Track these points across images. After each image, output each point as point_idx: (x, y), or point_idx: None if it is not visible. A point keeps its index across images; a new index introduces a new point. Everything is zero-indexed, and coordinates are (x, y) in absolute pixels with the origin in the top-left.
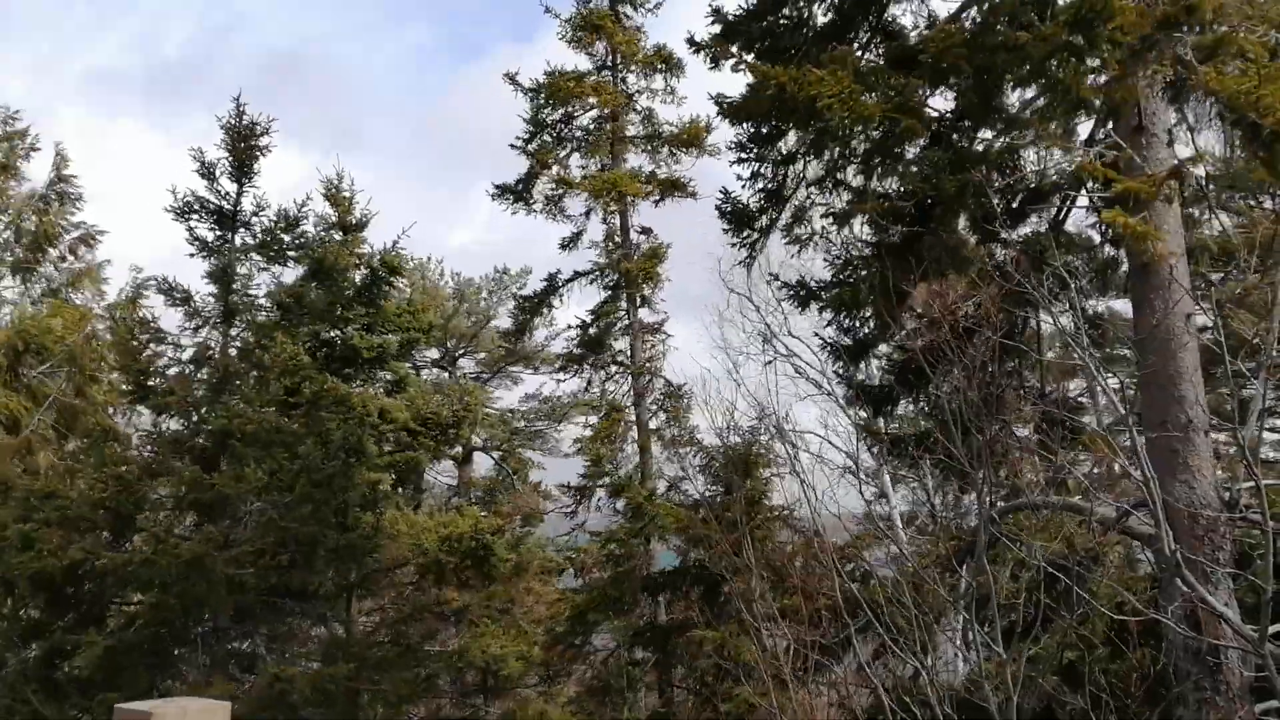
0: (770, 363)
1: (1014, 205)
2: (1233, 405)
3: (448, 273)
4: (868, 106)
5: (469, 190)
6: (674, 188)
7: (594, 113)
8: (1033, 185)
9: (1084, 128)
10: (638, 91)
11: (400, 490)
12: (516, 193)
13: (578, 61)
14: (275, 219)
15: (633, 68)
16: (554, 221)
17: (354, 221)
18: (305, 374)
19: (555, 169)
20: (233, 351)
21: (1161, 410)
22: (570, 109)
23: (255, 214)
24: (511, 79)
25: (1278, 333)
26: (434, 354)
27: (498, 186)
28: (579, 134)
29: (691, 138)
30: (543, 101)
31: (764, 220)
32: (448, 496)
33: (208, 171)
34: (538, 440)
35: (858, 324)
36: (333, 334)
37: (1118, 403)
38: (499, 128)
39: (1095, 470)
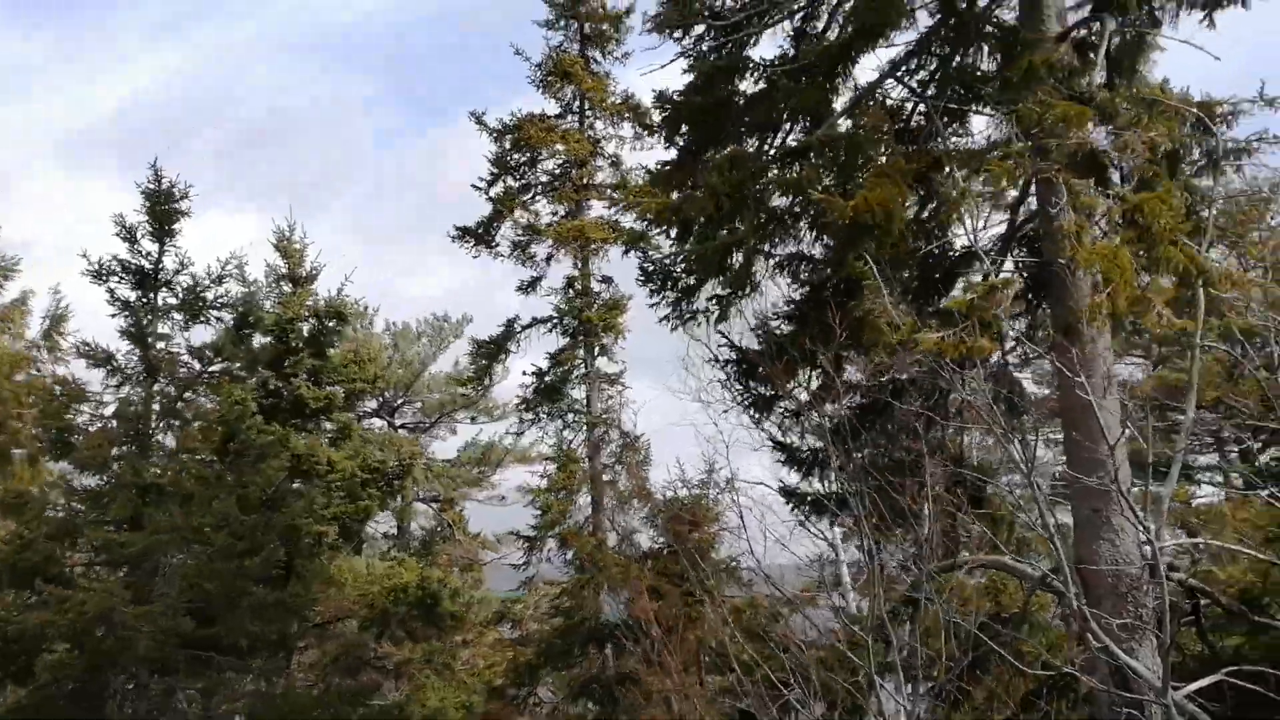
0: (726, 412)
1: (938, 275)
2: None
3: (384, 321)
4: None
5: (429, 242)
6: (640, 239)
7: (560, 158)
8: (958, 253)
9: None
10: (605, 138)
11: (343, 541)
12: (478, 235)
13: (545, 106)
14: (198, 278)
15: (600, 114)
16: (518, 266)
17: (304, 274)
18: (249, 424)
19: (519, 213)
20: (156, 407)
21: (1085, 469)
22: (537, 153)
23: (177, 273)
24: (478, 119)
25: (1196, 397)
26: (372, 404)
27: (459, 229)
28: (544, 178)
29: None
30: (509, 145)
31: (688, 281)
32: (386, 547)
33: (129, 235)
34: (478, 489)
35: (778, 392)
36: (279, 385)
37: (1023, 464)
38: (463, 178)
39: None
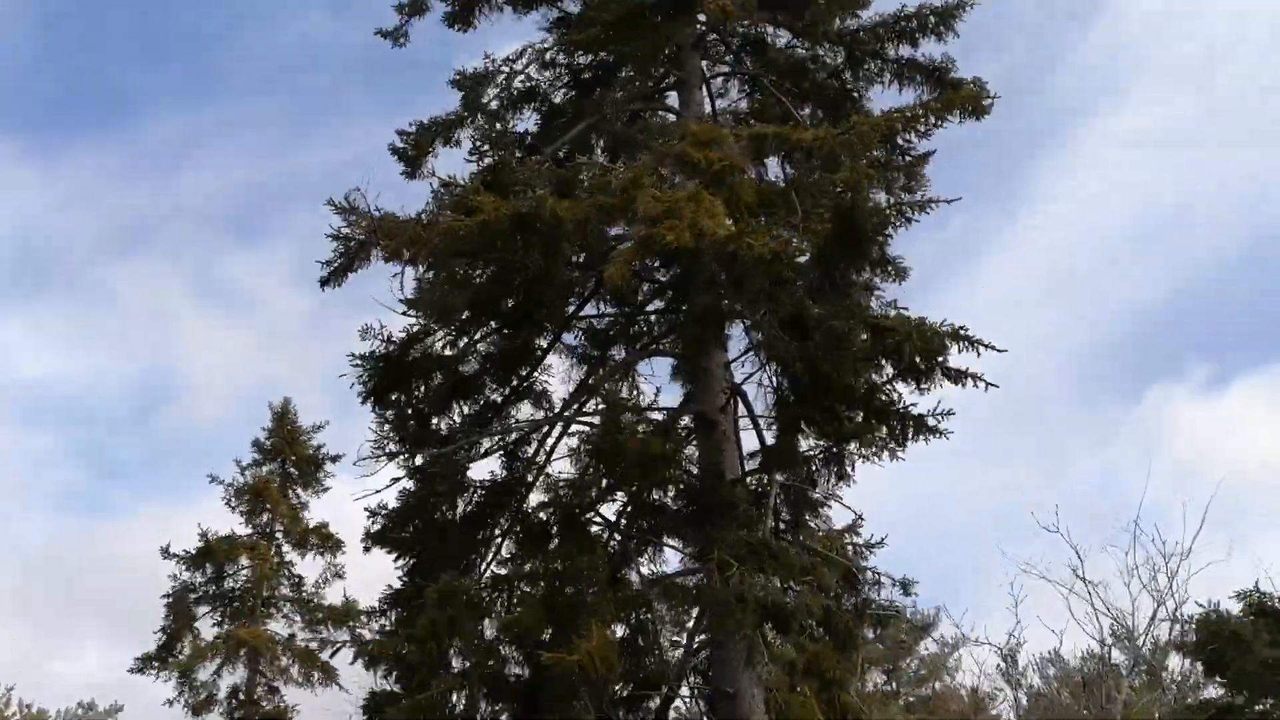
0: None
1: (624, 694)
2: None
3: (16, 702)
4: None
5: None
6: (319, 668)
7: (246, 573)
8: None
9: None
10: (292, 563)
11: None
12: (160, 658)
13: (236, 526)
14: None
15: (292, 539)
16: (186, 690)
17: None
18: None
19: (190, 638)
20: None
21: None
22: (222, 569)
23: None
24: (165, 552)
25: None
26: None
27: (139, 659)
28: (228, 593)
29: (344, 613)
30: (191, 563)
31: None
32: None
33: None
34: None
35: None
36: None
37: None
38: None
39: None
